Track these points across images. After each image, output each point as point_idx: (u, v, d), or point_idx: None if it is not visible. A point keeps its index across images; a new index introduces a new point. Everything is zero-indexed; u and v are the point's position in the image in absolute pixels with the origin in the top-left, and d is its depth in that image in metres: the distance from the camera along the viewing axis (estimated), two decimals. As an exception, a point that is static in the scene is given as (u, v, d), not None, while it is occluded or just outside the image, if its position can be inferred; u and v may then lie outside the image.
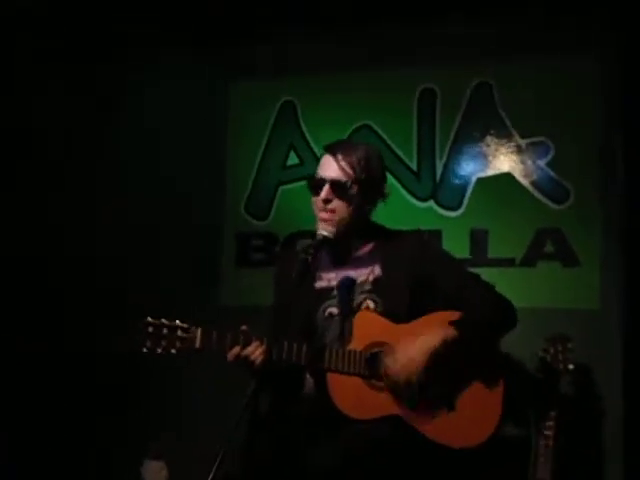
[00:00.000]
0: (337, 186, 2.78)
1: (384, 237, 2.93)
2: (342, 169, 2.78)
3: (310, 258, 2.69)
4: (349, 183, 2.78)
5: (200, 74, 4.25)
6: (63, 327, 4.12)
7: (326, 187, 2.78)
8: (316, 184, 2.81)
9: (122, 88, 4.32)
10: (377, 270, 2.87)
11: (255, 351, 2.62)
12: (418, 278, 2.84)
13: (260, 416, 2.73)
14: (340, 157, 2.79)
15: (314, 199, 2.82)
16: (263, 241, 4.15)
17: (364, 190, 2.82)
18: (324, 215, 2.78)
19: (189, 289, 4.06)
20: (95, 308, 4.14)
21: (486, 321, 2.78)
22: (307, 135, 4.10)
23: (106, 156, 4.31)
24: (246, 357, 2.62)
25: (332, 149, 2.83)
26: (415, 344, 2.67)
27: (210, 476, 2.23)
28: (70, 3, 4.15)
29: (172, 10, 4.12)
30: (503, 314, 2.85)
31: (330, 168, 2.80)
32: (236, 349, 2.63)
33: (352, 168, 2.78)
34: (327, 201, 2.78)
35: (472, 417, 2.73)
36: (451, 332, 2.68)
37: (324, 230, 2.78)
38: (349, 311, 2.86)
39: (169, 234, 4.17)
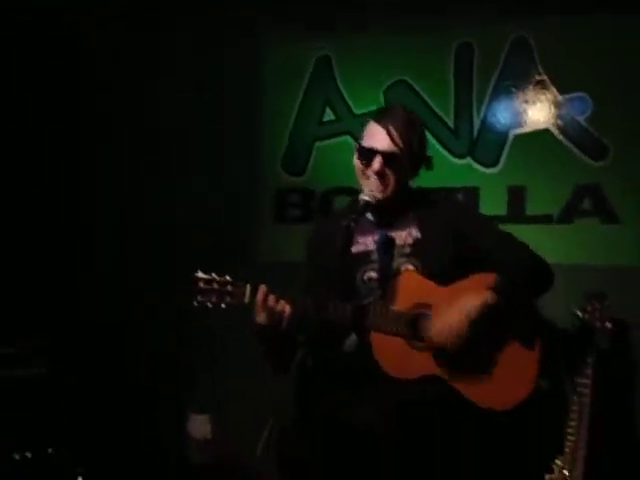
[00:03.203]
0: (390, 158, 2.80)
1: (419, 200, 2.95)
2: (394, 141, 2.80)
3: (353, 224, 2.72)
4: (402, 155, 2.81)
5: (236, 27, 4.24)
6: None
7: (378, 159, 2.80)
8: (367, 154, 2.83)
9: (156, 43, 4.34)
10: (415, 232, 2.90)
11: (279, 302, 2.66)
12: (454, 240, 2.87)
13: (308, 375, 2.81)
14: (392, 129, 2.80)
15: (360, 165, 2.85)
16: (300, 197, 4.18)
17: (413, 160, 2.86)
18: (374, 183, 2.81)
19: (227, 246, 4.11)
20: (140, 263, 4.23)
21: (523, 281, 2.80)
22: (343, 91, 4.09)
23: (145, 113, 4.34)
24: (272, 308, 2.66)
25: (382, 118, 2.83)
26: (456, 309, 2.70)
27: (263, 439, 2.29)
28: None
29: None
30: (539, 274, 2.88)
31: (382, 140, 2.80)
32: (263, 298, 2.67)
33: (403, 140, 2.80)
34: (380, 173, 2.80)
35: (510, 378, 2.77)
36: (490, 296, 2.71)
37: (367, 196, 2.80)
38: (389, 271, 2.89)
39: (206, 192, 4.20)
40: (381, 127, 2.82)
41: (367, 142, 2.84)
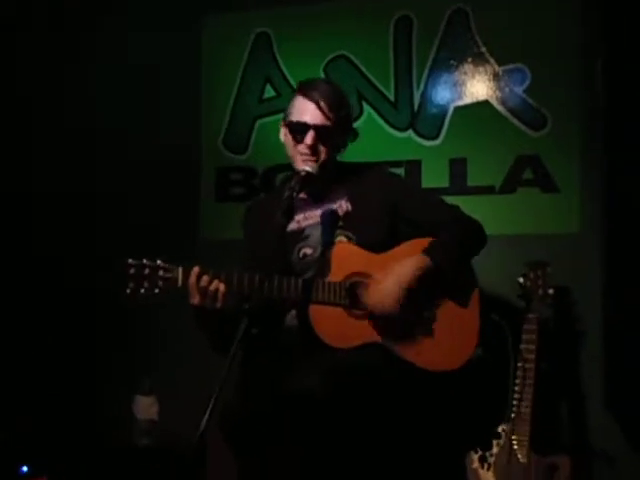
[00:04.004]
0: (322, 132, 2.82)
1: (347, 173, 2.97)
2: (325, 114, 2.82)
3: (295, 194, 2.71)
4: (332, 127, 2.83)
5: (172, 7, 4.17)
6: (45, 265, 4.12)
7: (310, 133, 2.82)
8: (299, 129, 2.84)
9: (91, 25, 4.25)
10: (345, 205, 2.92)
11: (212, 282, 2.64)
12: (386, 208, 2.90)
13: (250, 350, 2.79)
14: (321, 102, 2.82)
15: (291, 141, 2.87)
16: (242, 175, 4.13)
17: (342, 133, 2.90)
18: (306, 155, 2.83)
19: (169, 224, 4.07)
20: (74, 245, 4.16)
21: (457, 240, 2.85)
22: (283, 67, 4.05)
23: (79, 93, 4.26)
24: (205, 289, 2.63)
25: (310, 92, 2.85)
26: (389, 274, 2.73)
27: (206, 414, 2.26)
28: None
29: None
30: (472, 233, 2.92)
31: (312, 113, 2.83)
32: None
33: (333, 113, 2.83)
34: (313, 147, 2.81)
35: (451, 338, 2.82)
36: (423, 259, 2.75)
37: (307, 166, 2.80)
38: (330, 244, 2.89)
39: (147, 171, 4.14)
40: (310, 101, 2.84)
41: (297, 117, 2.86)
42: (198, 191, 4.18)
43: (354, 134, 2.98)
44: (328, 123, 2.82)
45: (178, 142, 4.14)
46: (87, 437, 3.68)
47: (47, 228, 4.20)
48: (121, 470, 3.44)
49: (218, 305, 2.64)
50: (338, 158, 2.97)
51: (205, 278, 2.64)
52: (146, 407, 3.67)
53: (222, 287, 2.64)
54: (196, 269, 2.65)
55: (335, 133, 2.85)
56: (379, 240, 2.85)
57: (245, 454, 2.69)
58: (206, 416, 2.25)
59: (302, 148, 2.83)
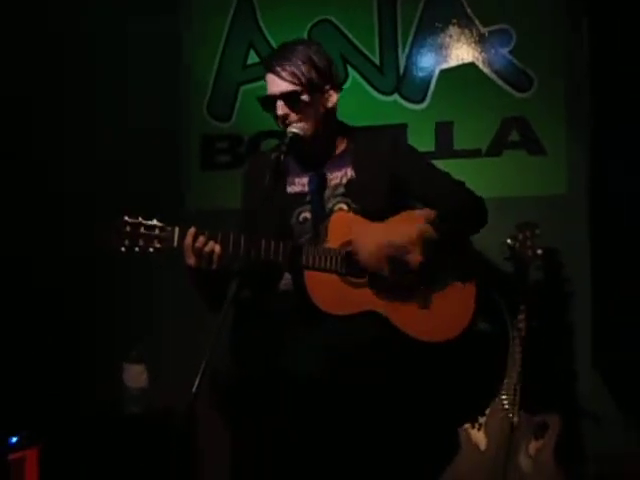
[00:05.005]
0: (288, 98, 2.77)
1: (355, 137, 2.94)
2: (286, 80, 2.77)
3: (283, 156, 2.69)
4: (299, 90, 2.77)
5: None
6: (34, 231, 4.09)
7: (279, 103, 2.78)
8: (268, 103, 2.81)
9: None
10: (349, 172, 2.89)
11: (208, 244, 2.63)
12: (391, 177, 2.87)
13: (242, 315, 2.79)
14: (279, 69, 2.76)
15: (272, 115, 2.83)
16: (227, 143, 4.09)
17: (319, 90, 2.82)
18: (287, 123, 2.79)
19: (154, 195, 4.00)
20: (61, 212, 4.12)
21: (458, 214, 2.83)
22: (266, 33, 4.01)
23: (66, 65, 4.20)
24: (200, 250, 2.62)
25: (269, 64, 2.81)
26: (381, 232, 2.72)
27: (197, 380, 2.25)
28: None
29: None
30: (475, 210, 2.91)
31: (275, 83, 2.78)
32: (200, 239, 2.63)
33: (295, 75, 2.76)
34: (285, 117, 2.77)
35: (447, 311, 2.82)
36: (424, 227, 2.73)
37: (294, 128, 2.77)
38: (322, 210, 2.88)
39: (129, 141, 4.09)
40: (271, 72, 2.80)
41: (268, 92, 2.82)
42: (183, 160, 4.14)
43: (335, 86, 2.89)
44: (292, 87, 2.77)
45: (161, 110, 4.10)
46: (77, 407, 3.66)
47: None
48: (112, 439, 3.43)
49: (213, 266, 2.63)
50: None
51: (201, 239, 2.63)
52: (136, 375, 3.67)
53: (217, 248, 2.63)
54: (192, 230, 2.64)
55: (306, 94, 2.78)
56: (381, 209, 2.83)
57: (236, 422, 2.69)
58: (197, 381, 2.24)
59: (280, 122, 2.80)
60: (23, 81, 4.16)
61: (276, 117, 2.82)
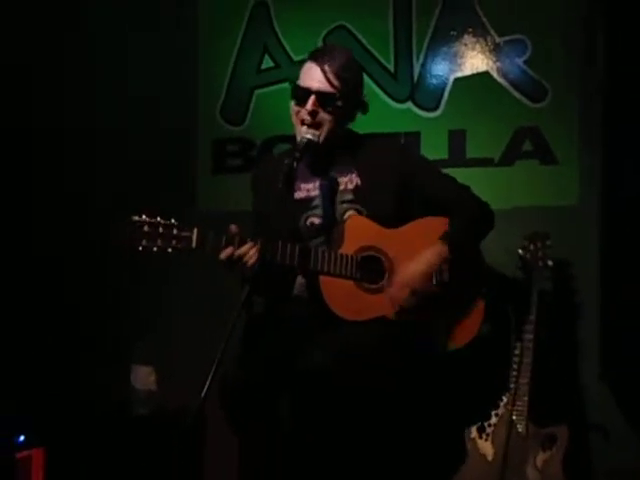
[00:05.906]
0: (325, 98, 2.76)
1: (360, 145, 2.93)
2: (329, 80, 2.76)
3: (296, 163, 2.69)
4: (337, 95, 2.77)
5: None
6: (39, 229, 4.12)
7: (312, 98, 2.76)
8: (302, 94, 2.78)
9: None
10: (355, 179, 2.89)
11: (249, 251, 2.62)
12: (399, 184, 2.87)
13: (254, 319, 2.78)
14: (327, 68, 2.76)
15: (295, 107, 2.81)
16: (239, 147, 4.09)
17: (349, 102, 2.82)
18: (308, 122, 2.77)
19: (166, 197, 3.99)
20: (73, 211, 4.13)
21: (469, 224, 2.83)
22: (281, 37, 4.01)
23: (76, 60, 4.22)
24: (240, 257, 2.61)
25: (318, 57, 2.79)
26: (415, 266, 2.74)
27: (207, 382, 2.25)
28: None
29: None
30: (483, 215, 2.91)
31: (316, 78, 2.77)
32: (230, 249, 2.62)
33: (339, 79, 2.76)
34: (313, 112, 2.76)
35: (456, 320, 2.82)
36: (444, 250, 2.75)
37: (308, 134, 2.77)
38: (332, 214, 2.88)
39: (143, 143, 4.10)
40: (317, 65, 2.79)
41: (303, 82, 2.81)
42: (195, 163, 4.15)
43: (363, 106, 2.90)
44: (331, 90, 2.76)
45: (175, 113, 4.11)
46: (85, 407, 3.67)
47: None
48: (119, 440, 3.44)
49: (248, 266, 2.62)
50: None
51: (245, 247, 2.63)
52: (144, 377, 3.68)
53: (254, 253, 2.63)
54: (234, 227, 2.65)
55: (340, 101, 2.78)
56: (389, 214, 2.83)
57: (242, 426, 2.68)
58: (207, 384, 2.25)
59: (303, 114, 2.77)
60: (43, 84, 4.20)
61: (296, 111, 2.80)
